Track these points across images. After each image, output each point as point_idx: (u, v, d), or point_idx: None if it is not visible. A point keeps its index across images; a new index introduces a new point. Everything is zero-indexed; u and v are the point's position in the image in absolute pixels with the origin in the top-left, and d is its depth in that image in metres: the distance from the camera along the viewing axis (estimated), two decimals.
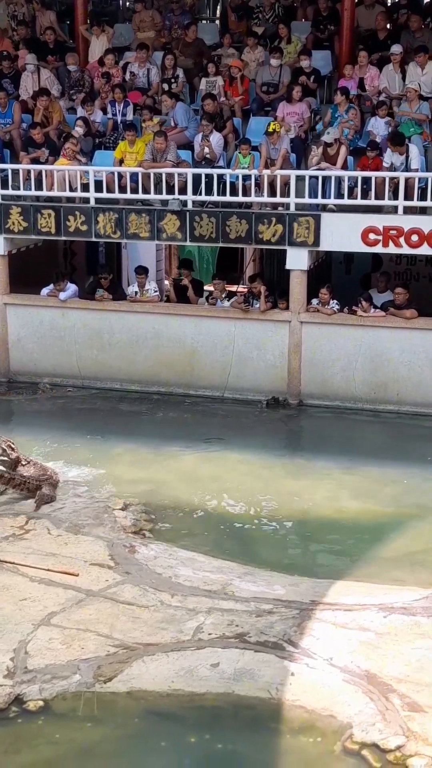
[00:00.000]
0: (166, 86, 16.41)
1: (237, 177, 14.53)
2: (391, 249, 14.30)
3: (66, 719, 7.03)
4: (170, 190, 14.75)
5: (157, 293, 15.42)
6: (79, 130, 15.71)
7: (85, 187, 15.27)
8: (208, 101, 15.28)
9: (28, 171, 15.42)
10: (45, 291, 15.66)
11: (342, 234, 14.18)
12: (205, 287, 16.60)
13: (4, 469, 10.65)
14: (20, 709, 7.05)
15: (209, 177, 14.51)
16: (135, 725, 7.01)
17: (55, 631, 8.04)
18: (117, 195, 15.11)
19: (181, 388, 15.16)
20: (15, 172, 15.59)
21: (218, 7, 22.85)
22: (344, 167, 14.33)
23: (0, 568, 9.14)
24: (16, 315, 15.79)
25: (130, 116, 16.10)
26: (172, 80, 16.46)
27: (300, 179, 14.34)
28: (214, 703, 7.14)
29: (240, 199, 14.59)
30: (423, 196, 13.83)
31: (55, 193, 15.29)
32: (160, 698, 7.20)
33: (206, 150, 14.82)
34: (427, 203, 13.83)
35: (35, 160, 15.60)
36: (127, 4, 20.60)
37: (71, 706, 7.13)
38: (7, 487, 10.87)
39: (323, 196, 14.18)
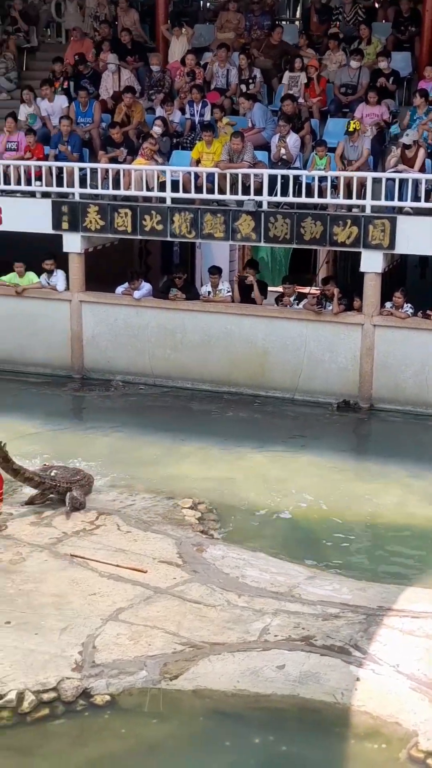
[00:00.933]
0: (243, 87, 16.42)
1: (313, 178, 14.49)
2: None
3: (132, 714, 7.10)
4: (246, 191, 14.75)
5: (230, 293, 15.44)
6: (157, 130, 15.81)
7: (162, 187, 15.37)
8: (287, 102, 15.24)
9: (107, 170, 15.58)
10: (120, 289, 15.79)
11: (418, 237, 14.06)
12: (276, 288, 16.58)
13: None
14: (87, 703, 7.15)
15: (285, 178, 14.47)
16: (200, 724, 7.05)
17: (123, 626, 8.11)
18: (193, 195, 15.16)
19: (252, 388, 15.16)
20: (93, 171, 15.76)
21: (298, 8, 22.75)
22: (422, 170, 14.18)
23: (70, 563, 9.26)
24: (91, 312, 15.94)
25: (207, 117, 16.14)
26: (250, 81, 16.47)
27: (377, 181, 14.26)
28: (279, 705, 7.14)
29: (315, 200, 14.54)
30: None
31: (132, 192, 15.41)
32: (225, 698, 7.22)
33: (282, 151, 14.79)
34: None
35: (113, 160, 15.76)
36: (208, 4, 20.67)
37: (137, 702, 7.19)
38: (40, 491, 10.73)
39: (400, 199, 14.05)
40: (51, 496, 10.66)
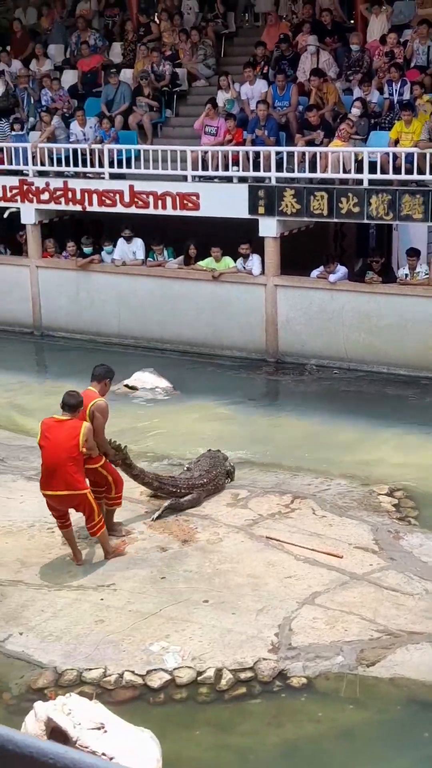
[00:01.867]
0: None
1: None
2: None
3: (328, 699, 7.15)
4: None
5: (428, 276, 15.11)
6: (356, 112, 15.65)
7: (359, 169, 15.19)
8: None
9: (303, 153, 15.57)
10: (315, 273, 15.77)
11: None
12: None
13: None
14: (284, 684, 7.25)
15: None
16: (397, 712, 7.03)
17: (319, 611, 8.17)
18: (391, 176, 14.90)
19: None
20: (290, 155, 15.78)
21: None
22: None
23: (266, 545, 9.36)
24: (285, 296, 15.99)
25: (407, 95, 15.81)
26: None
27: None
28: None
29: None
30: None
31: (328, 175, 15.33)
32: (423, 688, 7.18)
33: None
34: None
35: (310, 142, 15.72)
36: None
37: (333, 687, 7.24)
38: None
39: None
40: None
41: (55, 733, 6.15)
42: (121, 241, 17.23)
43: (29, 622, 8.16)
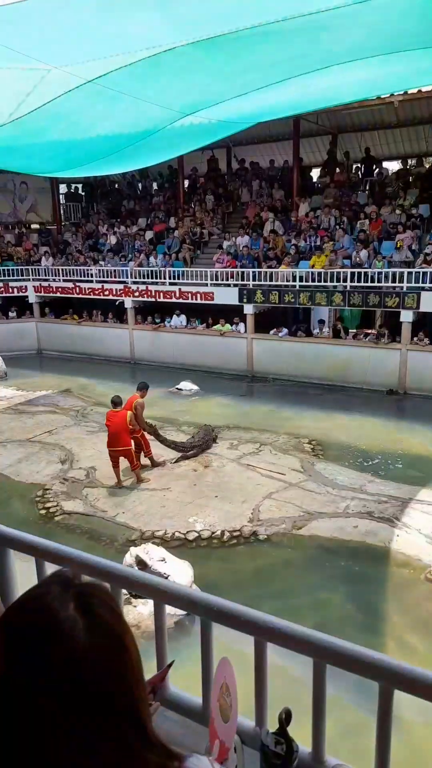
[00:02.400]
0: None
1: None
2: None
3: (278, 546, 7.08)
4: None
5: (328, 334, 14.94)
6: (292, 250, 15.48)
7: (294, 279, 14.90)
8: None
9: (266, 272, 15.35)
10: (272, 332, 15.50)
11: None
12: None
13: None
14: (255, 539, 7.19)
15: None
16: (312, 553, 6.97)
17: (273, 502, 8.09)
18: (310, 283, 14.65)
19: None
20: (259, 273, 15.55)
21: None
22: None
23: (246, 468, 9.28)
24: (257, 343, 15.66)
25: (318, 242, 15.63)
26: None
27: None
28: (354, 546, 6.96)
29: None
30: None
31: (278, 282, 15.08)
32: (326, 540, 7.10)
33: None
34: None
35: (270, 267, 15.54)
36: None
37: (280, 540, 7.17)
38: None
39: None
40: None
41: (140, 563, 6.14)
42: (174, 317, 17.21)
43: (128, 506, 8.13)
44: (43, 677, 0.70)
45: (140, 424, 8.73)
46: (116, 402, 8.67)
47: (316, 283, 14.72)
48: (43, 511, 8.12)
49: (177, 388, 14.53)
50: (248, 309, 15.71)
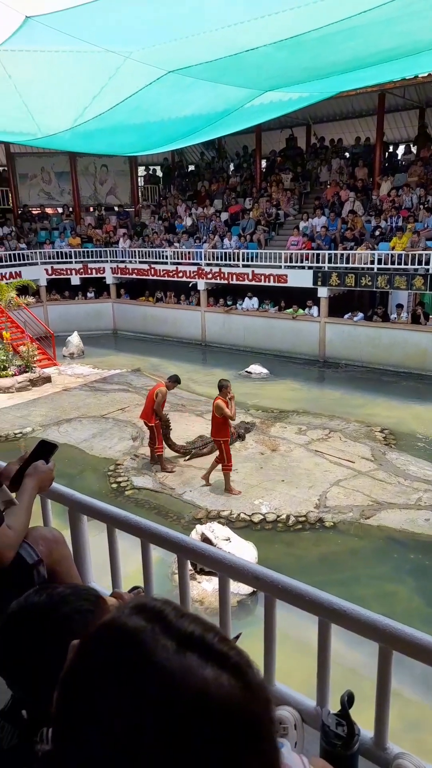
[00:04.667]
0: None
1: None
2: None
3: (344, 534, 6.99)
4: None
5: (406, 320, 14.34)
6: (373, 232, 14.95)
7: (373, 262, 14.41)
8: None
9: (342, 254, 14.92)
10: (346, 316, 15.13)
11: None
12: None
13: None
14: (321, 525, 7.13)
15: None
16: (379, 544, 6.83)
17: (341, 489, 7.98)
18: (389, 266, 14.12)
19: None
20: (336, 255, 15.16)
21: None
22: None
23: (315, 454, 9.20)
24: (330, 328, 15.37)
25: (399, 223, 14.97)
26: None
27: None
28: (426, 540, 6.74)
29: None
30: None
31: (356, 265, 14.63)
32: (395, 532, 6.93)
33: None
34: None
35: (346, 248, 15.09)
36: None
37: (347, 528, 7.07)
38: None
39: None
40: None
41: (205, 541, 6.26)
42: (246, 299, 17.15)
43: (194, 485, 8.28)
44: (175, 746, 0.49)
45: (157, 412, 8.37)
46: (173, 378, 8.46)
47: (396, 266, 14.12)
48: (114, 485, 8.46)
49: (247, 371, 14.53)
50: (322, 292, 15.35)
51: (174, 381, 8.52)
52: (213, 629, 0.57)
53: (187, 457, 9.03)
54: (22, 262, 19.05)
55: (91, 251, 20.17)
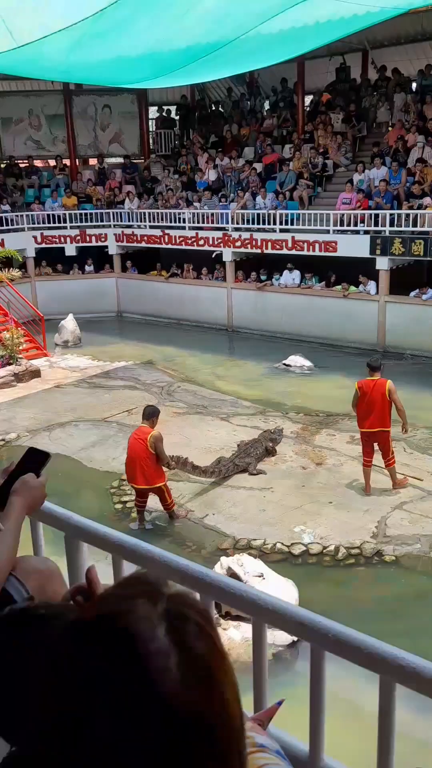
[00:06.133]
0: None
1: None
2: None
3: (409, 571, 6.96)
4: None
5: None
6: None
7: None
8: None
9: (408, 214, 14.77)
10: (413, 294, 14.96)
11: None
12: None
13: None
14: (379, 560, 7.12)
15: None
16: None
17: (405, 514, 7.95)
18: None
19: None
20: (399, 216, 15.02)
21: None
22: None
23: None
24: (392, 309, 15.23)
25: None
26: None
27: None
28: None
29: None
30: None
31: (425, 228, 14.48)
32: None
33: None
34: None
35: (413, 207, 14.92)
36: None
37: (413, 563, 7.04)
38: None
39: None
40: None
41: (232, 577, 6.27)
42: (285, 273, 17.11)
43: (219, 507, 8.34)
44: (124, 732, 0.67)
45: (163, 461, 7.73)
46: (149, 413, 7.76)
47: None
48: (119, 506, 8.55)
49: (285, 364, 14.52)
50: (382, 263, 15.21)
51: (153, 415, 7.80)
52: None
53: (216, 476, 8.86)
54: (4, 227, 19.27)
55: (91, 214, 20.36)
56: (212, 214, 18.39)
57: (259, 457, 9.42)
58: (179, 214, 19.02)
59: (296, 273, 16.96)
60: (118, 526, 7.76)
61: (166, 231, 19.16)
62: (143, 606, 0.73)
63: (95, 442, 10.55)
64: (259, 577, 6.26)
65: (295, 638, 5.31)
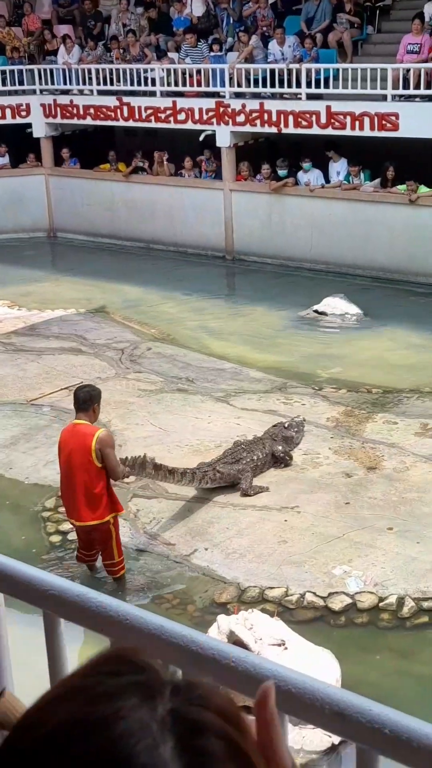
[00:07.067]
0: None
1: None
2: None
3: None
4: None
5: None
6: None
7: None
8: None
9: None
10: None
11: None
12: None
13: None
14: None
15: None
16: None
17: None
18: None
19: None
20: None
21: None
22: None
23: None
24: None
25: None
26: None
27: None
28: None
29: None
30: None
31: None
32: None
33: None
34: None
35: None
36: None
37: None
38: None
39: None
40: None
41: (236, 644, 6.32)
42: (314, 165, 17.00)
43: (214, 538, 8.35)
44: None
45: (115, 476, 7.65)
46: (83, 398, 7.65)
47: None
48: (55, 537, 8.54)
49: (315, 311, 14.57)
50: None
51: (92, 401, 7.66)
52: None
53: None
54: None
55: (2, 72, 20.18)
56: (199, 71, 18.24)
57: (258, 466, 9.37)
58: (145, 71, 18.89)
59: (342, 163, 16.82)
60: (54, 567, 7.80)
61: (125, 99, 19.03)
62: (133, 708, 0.67)
63: (17, 438, 10.55)
64: (279, 645, 6.32)
65: (336, 739, 5.40)
